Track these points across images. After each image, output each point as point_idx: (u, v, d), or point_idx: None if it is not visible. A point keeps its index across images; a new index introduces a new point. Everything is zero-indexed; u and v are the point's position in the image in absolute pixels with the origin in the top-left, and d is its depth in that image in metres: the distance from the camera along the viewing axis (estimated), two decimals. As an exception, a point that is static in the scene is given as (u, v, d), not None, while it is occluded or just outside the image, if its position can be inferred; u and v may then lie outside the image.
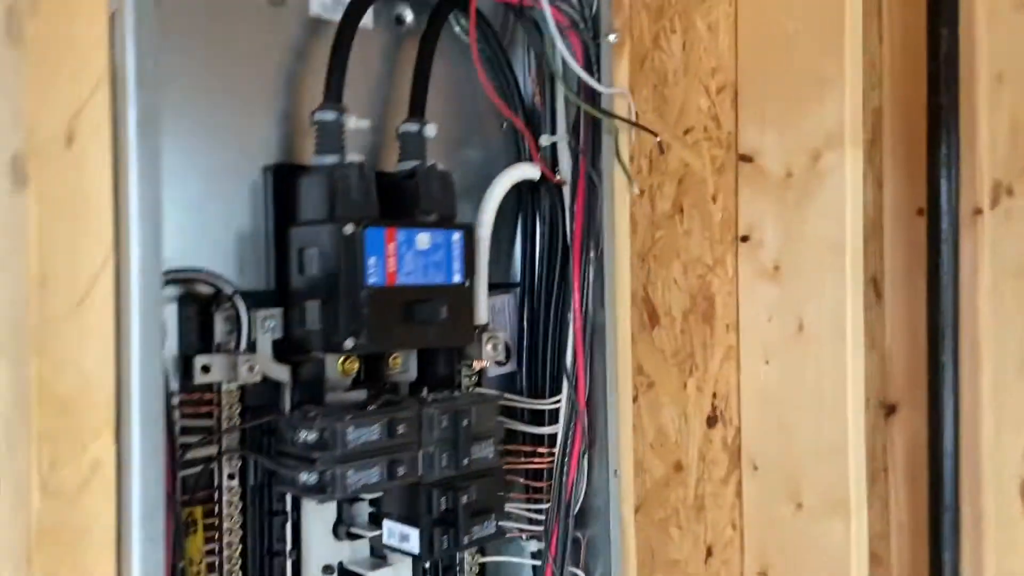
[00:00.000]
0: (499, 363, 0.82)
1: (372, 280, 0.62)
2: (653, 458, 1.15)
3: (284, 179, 0.65)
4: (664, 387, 1.16)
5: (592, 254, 0.77)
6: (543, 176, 0.78)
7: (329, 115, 0.65)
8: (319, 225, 0.62)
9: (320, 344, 0.62)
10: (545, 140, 0.79)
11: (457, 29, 0.79)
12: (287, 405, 0.65)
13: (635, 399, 1.05)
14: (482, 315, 0.75)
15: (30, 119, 0.47)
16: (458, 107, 0.79)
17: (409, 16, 0.76)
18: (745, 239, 1.26)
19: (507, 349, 0.83)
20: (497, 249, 0.83)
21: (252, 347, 0.62)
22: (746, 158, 1.25)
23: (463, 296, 0.68)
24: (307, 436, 0.60)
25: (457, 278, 0.67)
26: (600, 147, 0.78)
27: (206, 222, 0.63)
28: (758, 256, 1.25)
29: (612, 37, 0.78)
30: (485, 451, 0.69)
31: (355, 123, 0.67)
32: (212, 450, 0.62)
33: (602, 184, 0.78)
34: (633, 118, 0.80)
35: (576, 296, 0.76)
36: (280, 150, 0.68)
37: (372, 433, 0.62)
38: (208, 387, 0.62)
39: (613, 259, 0.79)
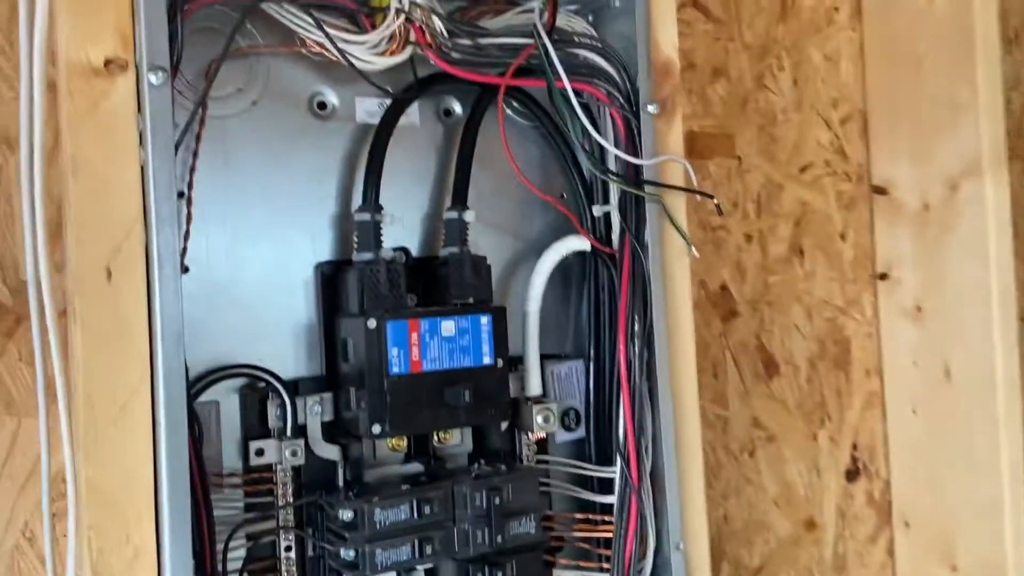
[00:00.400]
0: (569, 429, 0.84)
1: (395, 369, 0.67)
2: (777, 516, 1.10)
3: (331, 276, 0.72)
4: (788, 440, 1.11)
5: (637, 326, 0.77)
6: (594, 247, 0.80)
7: (364, 216, 0.71)
8: (352, 318, 0.69)
9: (355, 428, 0.68)
10: (597, 210, 0.81)
11: (509, 111, 0.82)
12: (341, 482, 0.71)
13: (751, 454, 1.02)
14: (533, 387, 0.78)
15: (75, 259, 0.57)
16: (516, 180, 0.82)
17: (458, 108, 0.80)
18: (884, 277, 1.18)
19: (576, 416, 0.84)
20: (566, 316, 0.85)
21: (302, 430, 0.69)
22: (880, 190, 1.17)
23: (493, 376, 0.71)
24: (344, 515, 0.66)
25: (487, 360, 0.71)
26: (644, 215, 0.78)
27: (267, 316, 0.71)
28: (898, 295, 1.17)
29: (651, 108, 0.77)
30: (526, 526, 0.71)
31: (390, 220, 0.72)
32: (272, 524, 0.69)
33: (648, 253, 0.77)
34: (691, 179, 0.79)
35: (622, 367, 0.76)
36: (335, 248, 0.75)
37: (400, 513, 0.66)
38: (267, 467, 0.69)
39: (666, 328, 0.78)
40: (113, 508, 0.58)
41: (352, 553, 0.65)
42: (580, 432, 0.84)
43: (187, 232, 0.67)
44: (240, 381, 0.71)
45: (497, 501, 0.69)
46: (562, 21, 0.80)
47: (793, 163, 1.12)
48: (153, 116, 0.58)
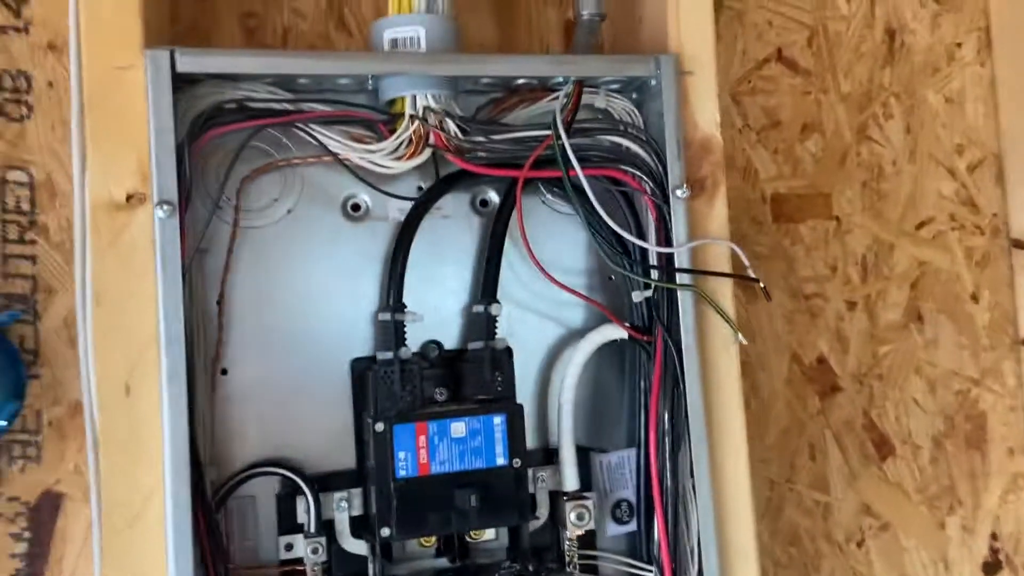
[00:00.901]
0: (620, 522, 0.81)
1: (402, 473, 0.68)
2: (895, 612, 0.99)
3: (360, 373, 0.75)
4: (908, 528, 1.01)
5: (668, 418, 0.72)
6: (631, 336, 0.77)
7: (385, 315, 0.73)
8: (367, 419, 0.71)
9: (369, 528, 0.70)
10: (637, 296, 0.78)
11: (544, 200, 0.81)
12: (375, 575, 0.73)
13: (860, 544, 0.93)
14: (568, 483, 0.76)
15: (97, 376, 0.63)
16: (561, 264, 0.81)
17: (494, 198, 0.80)
18: (1029, 342, 1.04)
19: (629, 508, 0.81)
20: (620, 402, 0.83)
21: (329, 525, 0.72)
22: (1021, 244, 1.04)
23: (508, 477, 0.70)
24: (361, 613, 0.68)
25: (501, 460, 0.70)
26: (676, 304, 0.74)
27: (304, 412, 0.75)
28: (1047, 363, 1.03)
29: (680, 192, 0.74)
30: (549, 632, 0.69)
31: (412, 319, 0.74)
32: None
33: (686, 343, 0.73)
34: (742, 259, 0.74)
35: (652, 467, 0.73)
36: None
37: (410, 615, 0.67)
38: (299, 560, 0.72)
39: (704, 422, 0.73)
40: (132, 609, 0.63)
41: (365, 653, 0.67)
42: (632, 525, 0.81)
43: (219, 338, 0.72)
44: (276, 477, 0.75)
45: (511, 607, 0.68)
46: (601, 102, 0.79)
47: (908, 219, 1.02)
48: (161, 247, 0.64)
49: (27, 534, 0.75)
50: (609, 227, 0.74)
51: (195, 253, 0.67)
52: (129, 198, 0.65)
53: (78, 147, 0.65)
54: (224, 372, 0.74)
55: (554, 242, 0.81)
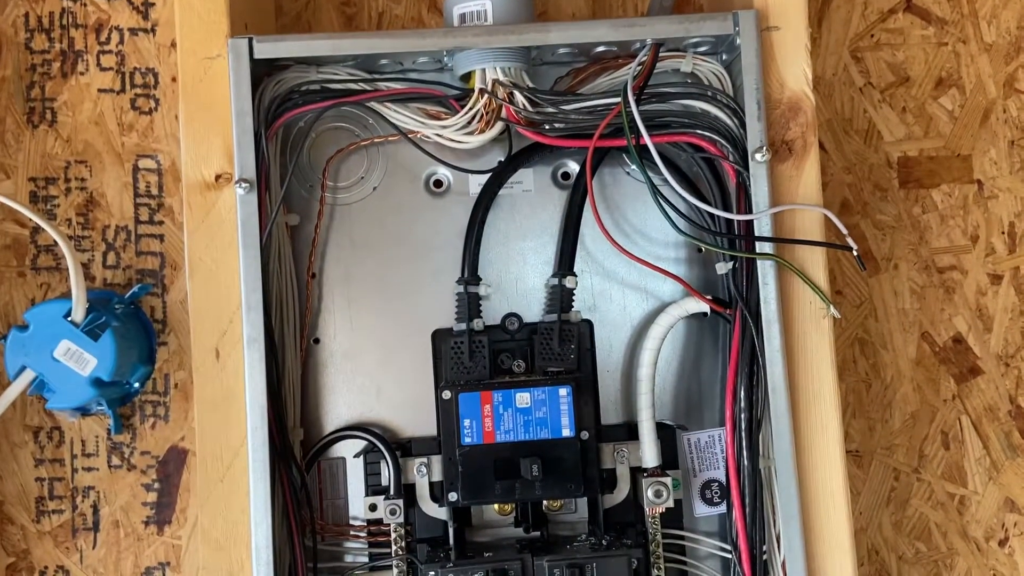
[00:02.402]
0: (710, 503, 0.78)
1: (467, 440, 0.70)
2: (1046, 623, 0.90)
3: (438, 344, 0.77)
4: (1061, 528, 0.90)
5: (744, 395, 0.69)
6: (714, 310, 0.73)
7: (459, 288, 0.75)
8: (438, 388, 0.73)
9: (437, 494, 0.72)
10: (720, 268, 0.74)
11: (628, 171, 0.80)
12: (451, 541, 0.75)
13: (1003, 543, 0.85)
14: (647, 459, 0.74)
15: (193, 343, 0.70)
16: (649, 234, 0.79)
17: (576, 169, 0.80)
18: None
19: (720, 489, 0.78)
20: (714, 379, 0.80)
21: (411, 489, 0.75)
22: None
23: (573, 449, 0.70)
24: (429, 575, 0.70)
25: (566, 432, 0.70)
26: (756, 275, 0.70)
27: (390, 380, 0.78)
28: None
29: (759, 156, 0.69)
30: (614, 608, 0.68)
31: (484, 291, 0.75)
32: (386, 574, 0.76)
33: (771, 316, 0.69)
34: (839, 228, 0.68)
35: (728, 442, 0.69)
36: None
37: (474, 580, 0.68)
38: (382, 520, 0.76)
39: (787, 401, 0.69)
40: (219, 553, 0.69)
41: (432, 614, 0.69)
42: (723, 507, 0.77)
43: (308, 309, 0.77)
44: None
45: (578, 579, 0.68)
46: (687, 66, 0.76)
47: (1067, 181, 0.90)
48: (242, 221, 0.69)
49: (157, 485, 0.84)
50: (692, 196, 0.71)
51: (273, 227, 0.71)
52: (218, 178, 0.71)
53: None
54: (316, 341, 0.78)
55: (639, 212, 0.80)
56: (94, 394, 0.77)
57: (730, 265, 0.73)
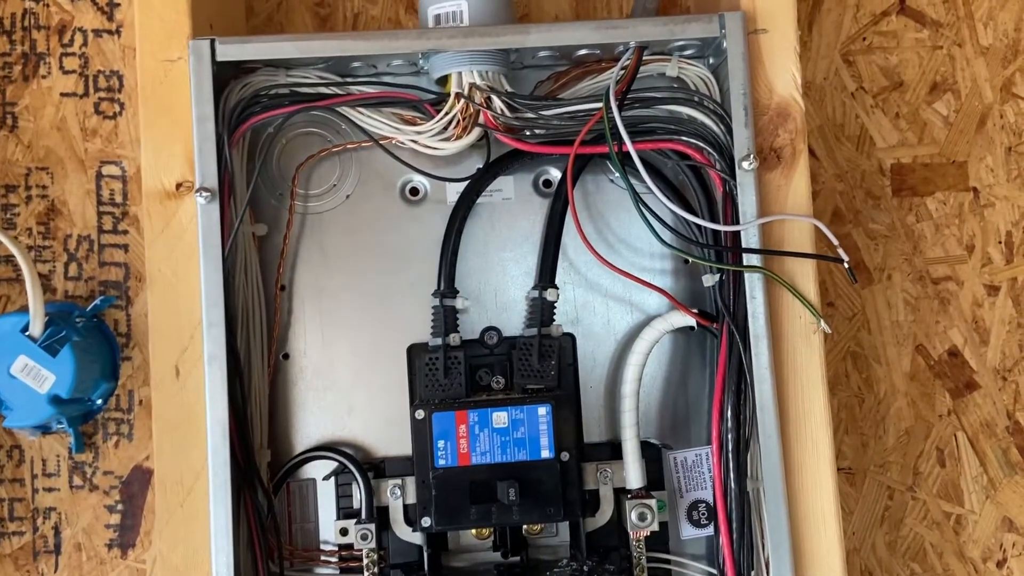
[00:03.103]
0: (697, 525, 0.75)
1: (441, 462, 0.66)
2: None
3: (413, 359, 0.74)
4: (1060, 549, 0.87)
5: (731, 414, 0.66)
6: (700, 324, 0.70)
7: (435, 301, 0.72)
8: (411, 406, 0.69)
9: (412, 517, 0.68)
10: (707, 280, 0.71)
11: (612, 178, 0.76)
12: (426, 566, 0.71)
13: (1001, 564, 0.82)
14: (630, 480, 0.71)
15: (152, 359, 0.66)
16: (633, 245, 0.76)
17: (558, 176, 0.77)
18: None
19: (708, 511, 0.75)
20: (701, 396, 0.77)
21: (384, 512, 0.71)
22: None
23: (553, 471, 0.66)
24: (404, 603, 0.67)
25: (545, 453, 0.66)
26: (743, 288, 0.67)
27: (363, 397, 0.75)
28: None
29: (746, 164, 0.66)
30: (596, 637, 0.65)
31: (462, 304, 0.72)
32: (358, 600, 0.72)
33: (759, 331, 0.66)
34: (829, 237, 0.65)
35: (715, 462, 0.66)
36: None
37: (450, 609, 0.65)
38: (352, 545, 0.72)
39: (776, 419, 0.66)
40: (181, 581, 0.65)
41: (406, 645, 0.66)
42: (711, 529, 0.74)
43: (277, 322, 0.74)
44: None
45: (554, 608, 0.64)
46: (673, 70, 0.73)
47: (1066, 189, 0.87)
48: (203, 232, 0.65)
49: (120, 506, 0.80)
50: (676, 205, 0.68)
51: (238, 237, 0.68)
52: (179, 186, 0.67)
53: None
54: (286, 357, 0.75)
55: (623, 221, 0.76)
56: (53, 412, 0.74)
57: (717, 277, 0.70)
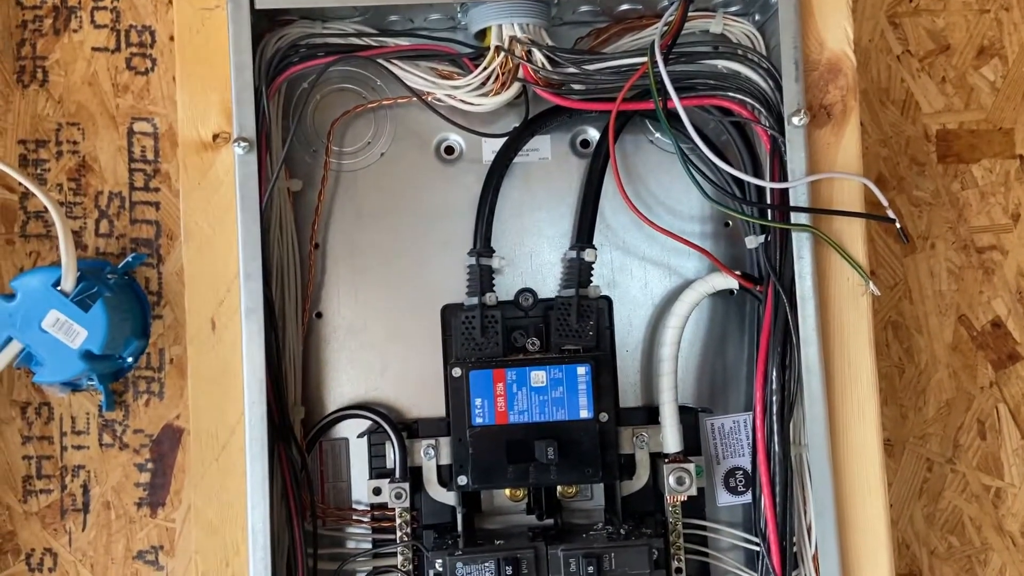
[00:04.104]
0: (734, 492, 0.74)
1: (478, 420, 0.65)
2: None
3: (448, 319, 0.72)
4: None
5: (776, 376, 0.64)
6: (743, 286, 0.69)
7: (471, 260, 0.70)
8: (448, 365, 0.68)
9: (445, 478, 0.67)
10: (750, 242, 0.70)
11: (652, 139, 0.75)
12: (460, 527, 0.71)
13: None
14: (669, 444, 0.70)
15: (188, 312, 0.65)
16: (673, 207, 0.75)
17: (596, 137, 0.75)
18: None
19: (745, 478, 0.74)
20: (740, 362, 0.75)
21: (417, 472, 0.70)
22: None
23: (591, 431, 0.65)
24: (436, 564, 0.66)
25: (584, 413, 0.65)
26: (790, 248, 0.65)
27: (397, 357, 0.74)
28: None
29: (796, 120, 0.64)
30: (632, 601, 0.64)
31: (498, 263, 0.71)
32: (391, 561, 0.71)
33: (806, 292, 0.64)
34: (879, 198, 0.63)
35: (758, 427, 0.65)
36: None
37: (484, 571, 0.64)
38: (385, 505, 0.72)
39: (823, 383, 0.64)
40: (214, 537, 0.65)
41: (438, 605, 0.65)
42: (748, 496, 0.73)
43: (311, 280, 0.73)
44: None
45: (591, 570, 0.63)
46: (717, 27, 0.71)
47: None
48: (240, 183, 0.64)
49: (150, 465, 0.80)
50: (721, 164, 0.67)
51: (274, 191, 0.67)
52: (215, 137, 0.66)
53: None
54: (319, 315, 0.74)
55: (663, 183, 0.75)
56: (84, 368, 0.73)
57: (762, 238, 0.68)
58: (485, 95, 0.70)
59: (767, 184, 0.65)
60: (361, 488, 0.73)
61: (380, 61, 0.69)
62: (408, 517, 0.70)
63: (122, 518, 0.79)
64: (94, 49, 0.81)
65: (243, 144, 0.64)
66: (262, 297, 0.64)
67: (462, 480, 0.66)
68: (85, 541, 0.79)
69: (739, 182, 0.69)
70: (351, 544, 0.73)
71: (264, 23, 0.68)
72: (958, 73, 0.84)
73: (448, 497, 0.70)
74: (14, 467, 0.79)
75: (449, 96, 0.70)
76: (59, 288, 0.72)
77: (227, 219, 0.65)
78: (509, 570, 0.63)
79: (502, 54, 0.68)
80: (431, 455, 0.70)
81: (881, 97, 0.84)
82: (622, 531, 0.67)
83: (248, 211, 0.64)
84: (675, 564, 0.69)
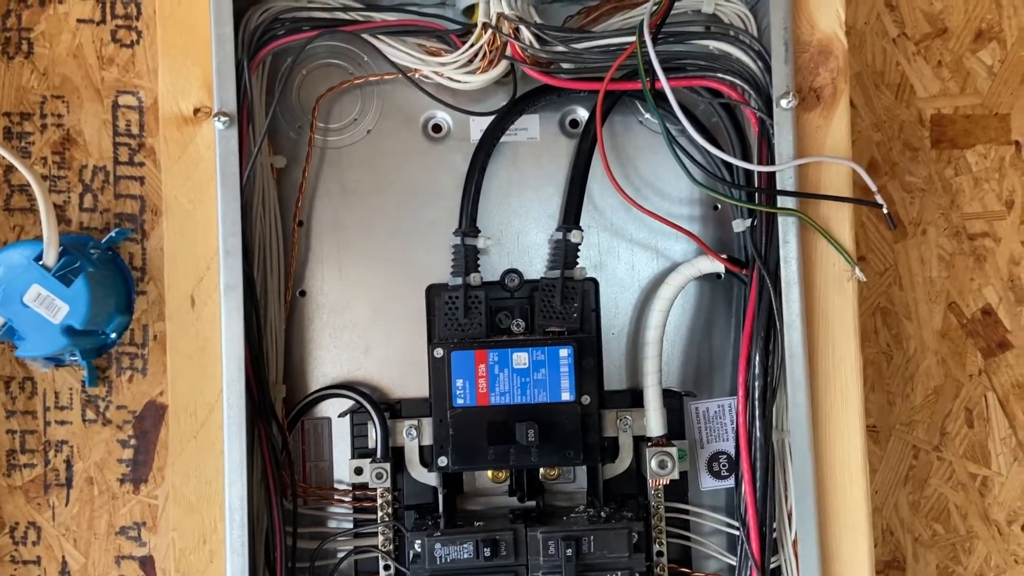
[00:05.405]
0: (717, 476, 0.74)
1: (459, 401, 0.65)
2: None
3: (431, 299, 0.72)
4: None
5: (759, 361, 0.64)
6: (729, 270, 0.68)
7: (456, 240, 0.70)
8: (430, 345, 0.68)
9: (427, 459, 0.67)
10: (738, 225, 0.69)
11: (642, 120, 0.74)
12: (440, 508, 0.70)
13: None
14: (651, 427, 0.69)
15: (167, 288, 0.65)
16: (661, 190, 0.74)
17: (585, 116, 0.74)
18: None
19: (728, 462, 0.74)
20: (727, 346, 0.75)
21: (399, 453, 0.70)
22: None
23: (573, 414, 0.65)
24: (414, 545, 0.66)
25: (566, 396, 0.65)
26: (775, 231, 0.64)
27: (380, 337, 0.73)
28: None
29: (784, 102, 0.64)
30: (610, 584, 0.64)
31: (483, 243, 0.70)
32: (371, 541, 0.71)
33: (779, 277, 0.64)
34: (868, 182, 0.63)
35: (740, 411, 0.64)
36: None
37: (463, 551, 0.64)
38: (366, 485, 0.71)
39: (805, 368, 0.64)
40: (192, 515, 0.64)
41: (417, 585, 0.65)
42: (731, 481, 0.73)
43: (294, 258, 0.72)
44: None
45: (569, 552, 0.63)
46: (708, 7, 0.70)
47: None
48: (220, 158, 0.64)
49: (133, 441, 0.80)
50: (708, 146, 0.66)
51: (256, 167, 0.66)
52: (196, 111, 0.65)
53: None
54: (302, 293, 0.73)
55: (652, 165, 0.74)
56: (66, 343, 0.73)
57: (748, 222, 0.68)
58: (472, 72, 0.69)
59: (754, 167, 0.64)
60: (343, 468, 0.73)
61: (366, 36, 0.68)
62: (389, 497, 0.70)
63: (105, 494, 0.79)
64: (79, 21, 0.80)
65: (223, 119, 0.63)
66: (242, 274, 0.63)
67: (442, 461, 0.66)
68: (68, 516, 0.79)
69: (727, 165, 0.68)
70: (332, 524, 0.73)
71: (248, -4, 0.67)
72: (955, 57, 0.83)
73: (430, 478, 0.70)
74: (-3, 441, 0.79)
75: (436, 73, 0.69)
76: (41, 263, 0.72)
77: (207, 195, 0.65)
78: (488, 552, 0.63)
79: (489, 31, 0.67)
80: (413, 436, 0.70)
81: (876, 80, 0.83)
82: (603, 514, 0.67)
83: (228, 187, 0.64)
84: (656, 547, 0.69)
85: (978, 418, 0.83)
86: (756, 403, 0.64)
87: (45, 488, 0.79)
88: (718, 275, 0.71)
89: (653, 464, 0.68)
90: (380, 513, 0.70)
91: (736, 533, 0.70)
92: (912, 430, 0.82)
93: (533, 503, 0.71)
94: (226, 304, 0.63)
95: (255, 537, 0.64)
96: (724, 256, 0.68)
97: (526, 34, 0.66)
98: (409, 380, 0.73)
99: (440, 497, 0.70)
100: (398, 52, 0.69)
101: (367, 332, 0.73)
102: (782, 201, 0.64)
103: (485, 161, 0.71)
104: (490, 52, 0.68)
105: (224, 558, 0.63)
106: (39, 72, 0.80)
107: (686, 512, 0.72)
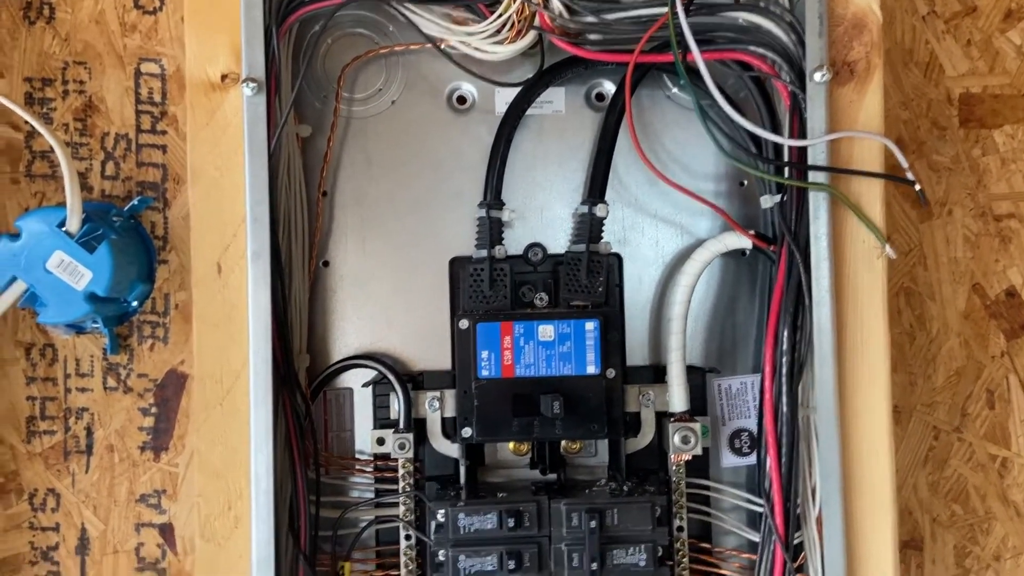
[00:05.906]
0: (739, 453, 0.74)
1: (484, 373, 0.65)
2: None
3: (455, 271, 0.72)
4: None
5: (787, 337, 0.63)
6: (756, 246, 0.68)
7: (482, 212, 0.69)
8: (455, 317, 0.68)
9: (449, 431, 0.67)
10: (766, 201, 0.68)
11: (669, 94, 0.73)
12: (463, 479, 0.70)
13: None
14: (674, 403, 0.69)
15: (194, 255, 0.65)
16: (687, 165, 0.74)
17: (612, 90, 0.74)
18: None
19: (750, 439, 0.73)
20: (750, 323, 0.74)
21: (421, 424, 0.70)
22: None
23: (597, 387, 0.65)
24: (437, 515, 0.66)
25: (591, 369, 0.65)
26: (806, 207, 0.64)
27: (402, 308, 0.73)
28: None
29: (818, 76, 0.63)
30: (634, 557, 0.64)
31: (508, 216, 0.70)
32: (392, 511, 0.71)
33: (809, 252, 0.63)
34: (899, 159, 0.62)
35: (766, 388, 0.64)
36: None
37: (487, 522, 0.64)
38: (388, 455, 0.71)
39: (833, 344, 0.63)
40: (217, 481, 0.64)
41: (440, 555, 0.65)
42: (752, 458, 0.73)
43: (318, 228, 0.72)
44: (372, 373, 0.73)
45: (592, 524, 0.63)
46: (741, -22, 0.69)
47: None
48: (248, 124, 0.63)
49: (154, 409, 0.80)
50: (737, 121, 0.65)
51: (283, 135, 0.65)
52: (224, 78, 0.65)
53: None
54: (326, 264, 0.73)
55: (679, 140, 0.74)
56: (89, 309, 0.72)
57: (777, 198, 0.67)
58: (500, 43, 0.68)
59: (785, 141, 0.64)
60: (364, 438, 0.73)
61: (393, 4, 0.67)
62: (411, 468, 0.70)
63: (125, 461, 0.80)
64: (102, -14, 0.80)
65: (252, 85, 0.63)
66: (268, 242, 0.63)
67: (466, 432, 0.65)
68: (88, 483, 0.79)
69: (756, 139, 0.67)
70: (354, 493, 0.73)
71: (278, -38, 0.66)
72: (984, 36, 0.82)
73: (452, 449, 0.70)
74: (18, 407, 0.79)
75: (463, 43, 0.69)
76: (64, 229, 0.72)
77: (234, 162, 0.64)
78: (511, 522, 0.63)
79: (518, 1, 0.66)
80: (436, 407, 0.70)
81: (904, 58, 0.82)
82: (625, 488, 0.67)
83: (256, 154, 0.63)
84: (677, 522, 0.68)
85: (999, 400, 0.82)
86: (783, 379, 0.63)
87: (65, 455, 0.79)
88: (743, 252, 0.71)
89: (676, 439, 0.68)
90: (402, 483, 0.70)
91: (757, 510, 0.70)
92: (933, 411, 0.82)
93: (554, 476, 0.71)
94: (253, 271, 0.63)
95: (278, 505, 0.64)
96: (751, 232, 0.68)
97: (556, 4, 0.66)
98: (431, 352, 0.73)
99: (462, 468, 0.70)
100: (425, 21, 0.68)
101: (390, 303, 0.73)
102: (813, 176, 0.64)
103: (511, 134, 0.70)
104: (519, 22, 0.67)
105: (249, 524, 0.63)
106: (60, 38, 0.80)
107: (707, 488, 0.72)
